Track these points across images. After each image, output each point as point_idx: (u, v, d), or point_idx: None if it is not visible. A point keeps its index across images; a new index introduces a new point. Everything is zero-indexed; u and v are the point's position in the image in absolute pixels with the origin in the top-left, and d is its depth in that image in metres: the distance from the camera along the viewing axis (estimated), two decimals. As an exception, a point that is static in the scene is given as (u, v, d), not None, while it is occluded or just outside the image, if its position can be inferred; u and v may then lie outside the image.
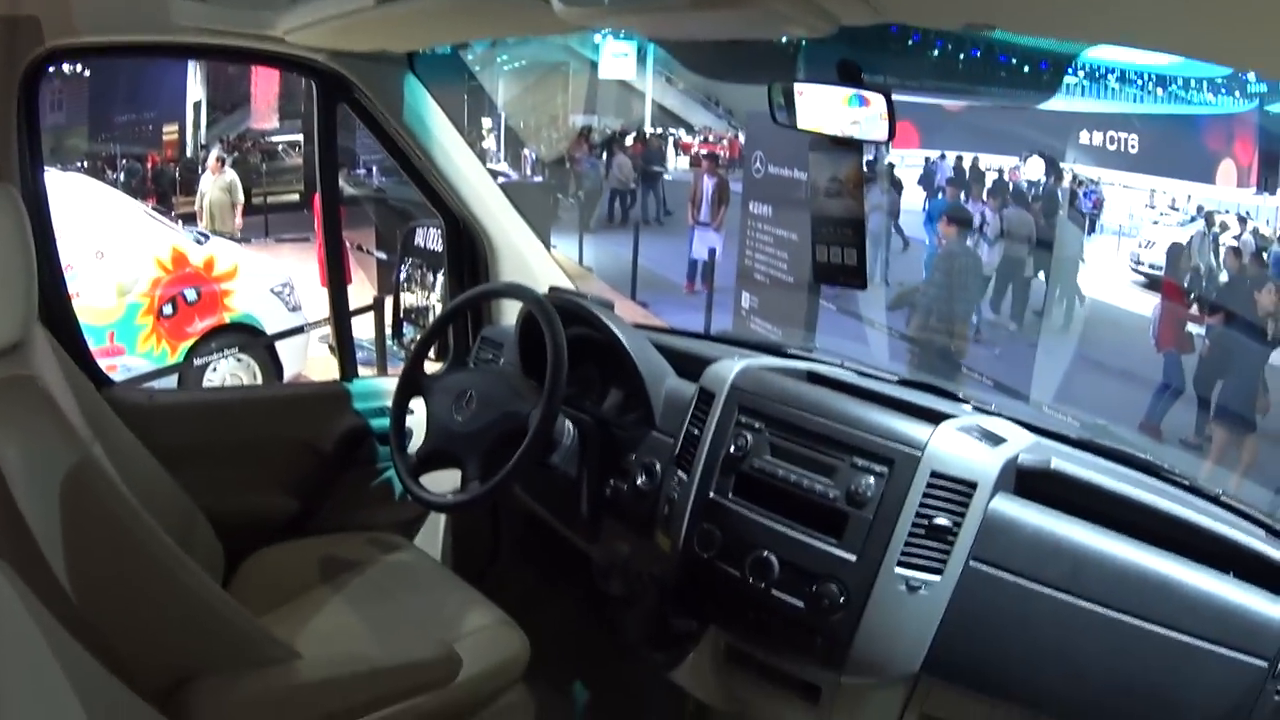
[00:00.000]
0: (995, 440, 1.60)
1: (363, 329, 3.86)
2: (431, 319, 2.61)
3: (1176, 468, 1.66)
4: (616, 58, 14.46)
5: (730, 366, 1.82)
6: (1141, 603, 1.37)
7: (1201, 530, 1.48)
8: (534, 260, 2.50)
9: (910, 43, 11.20)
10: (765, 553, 1.61)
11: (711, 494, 1.72)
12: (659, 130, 16.28)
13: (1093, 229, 9.11)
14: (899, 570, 1.50)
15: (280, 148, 15.37)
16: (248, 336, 5.96)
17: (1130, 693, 1.37)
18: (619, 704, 2.49)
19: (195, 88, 15.54)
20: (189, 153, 15.26)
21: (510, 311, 2.39)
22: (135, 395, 2.24)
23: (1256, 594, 1.36)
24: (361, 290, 5.79)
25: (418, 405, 2.00)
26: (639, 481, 1.87)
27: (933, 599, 1.48)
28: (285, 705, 1.50)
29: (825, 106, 1.55)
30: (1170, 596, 1.37)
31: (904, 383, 1.92)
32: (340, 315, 2.46)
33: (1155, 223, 9.78)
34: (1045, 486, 1.56)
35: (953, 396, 1.83)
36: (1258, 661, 1.31)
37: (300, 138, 15.29)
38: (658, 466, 1.85)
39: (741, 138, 14.20)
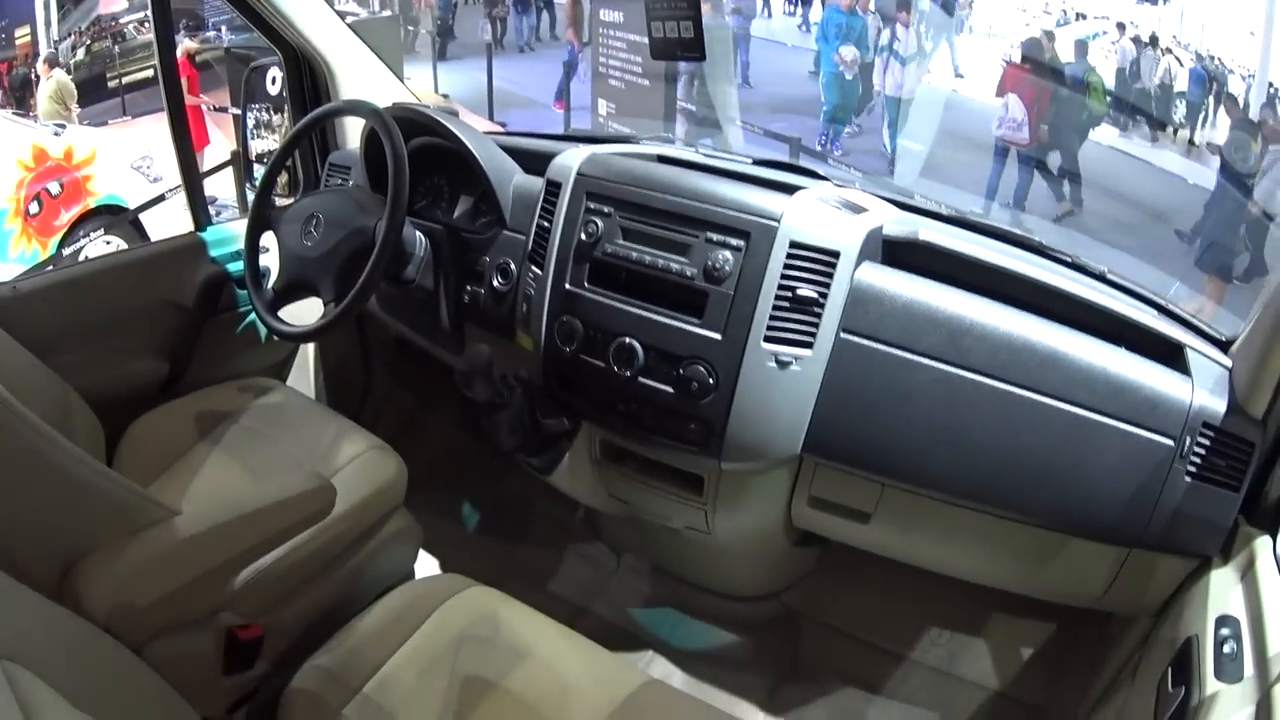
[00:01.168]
0: (856, 209, 1.57)
1: (227, 187, 3.71)
2: None
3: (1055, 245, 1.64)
4: None
5: (575, 154, 1.76)
6: (1030, 375, 1.36)
7: (1088, 304, 1.46)
8: (378, 84, 2.40)
9: None
10: (628, 339, 1.59)
11: (567, 285, 1.68)
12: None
13: (959, 29, 8.94)
14: (766, 346, 1.47)
15: (131, 26, 14.51)
16: (113, 217, 5.78)
17: (1024, 469, 1.37)
18: (506, 519, 2.50)
19: None
20: (43, 51, 14.45)
21: (356, 134, 2.32)
22: (-1, 290, 2.15)
23: (1155, 369, 1.35)
24: (225, 149, 5.60)
25: (270, 241, 1.93)
26: (495, 283, 1.83)
27: (805, 375, 1.46)
28: (169, 564, 1.46)
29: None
30: (1061, 368, 1.35)
31: (759, 162, 1.88)
32: (188, 166, 2.32)
33: (1027, 25, 9.62)
34: (915, 259, 1.53)
35: (812, 174, 1.79)
36: (1164, 440, 1.31)
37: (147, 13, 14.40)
38: (512, 266, 1.81)
39: None
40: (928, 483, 1.44)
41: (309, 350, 2.48)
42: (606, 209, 1.66)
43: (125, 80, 13.65)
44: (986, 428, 1.37)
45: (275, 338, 1.93)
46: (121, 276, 2.17)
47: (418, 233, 1.88)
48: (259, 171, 2.44)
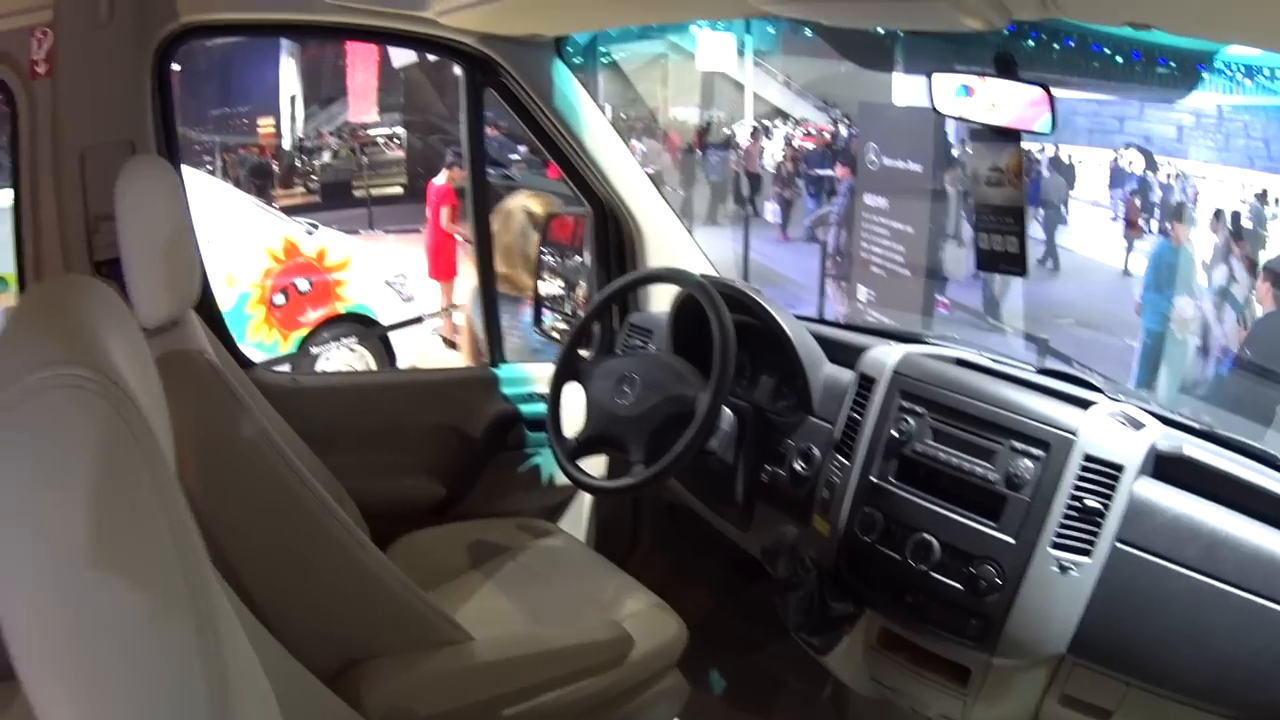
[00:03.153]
0: (1136, 424, 1.61)
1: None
2: (569, 306, 2.64)
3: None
4: (714, 48, 14.17)
5: (889, 353, 1.83)
6: (1271, 585, 1.39)
7: None
8: (680, 248, 2.49)
9: (1005, 32, 10.88)
10: (926, 535, 1.63)
11: (873, 478, 1.73)
12: (768, 123, 15.91)
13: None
14: (1052, 551, 1.52)
15: (381, 140, 15.49)
16: (361, 327, 6.00)
17: (1255, 672, 1.39)
18: (756, 689, 2.50)
19: (290, 81, 15.73)
20: (286, 146, 15.53)
21: (656, 297, 2.40)
22: (279, 378, 2.30)
23: None
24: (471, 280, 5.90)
25: (573, 391, 2.02)
26: (797, 467, 1.89)
27: (1082, 580, 1.51)
28: (459, 684, 1.52)
29: (990, 97, 1.57)
30: None
31: (1043, 371, 1.92)
32: (490, 302, 2.46)
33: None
34: (1179, 471, 1.57)
35: (1090, 385, 1.83)
36: None
37: (402, 130, 15.44)
38: (815, 451, 1.87)
39: (843, 129, 14.00)
40: (1173, 684, 1.46)
41: (584, 498, 2.54)
42: (919, 409, 1.72)
43: (374, 193, 14.24)
44: (1233, 636, 1.41)
45: (556, 482, 1.99)
46: (410, 394, 2.29)
47: (724, 407, 1.93)
48: (546, 315, 2.55)
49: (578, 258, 2.58)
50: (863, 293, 7.63)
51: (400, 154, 15.42)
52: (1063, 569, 1.51)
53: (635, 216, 2.45)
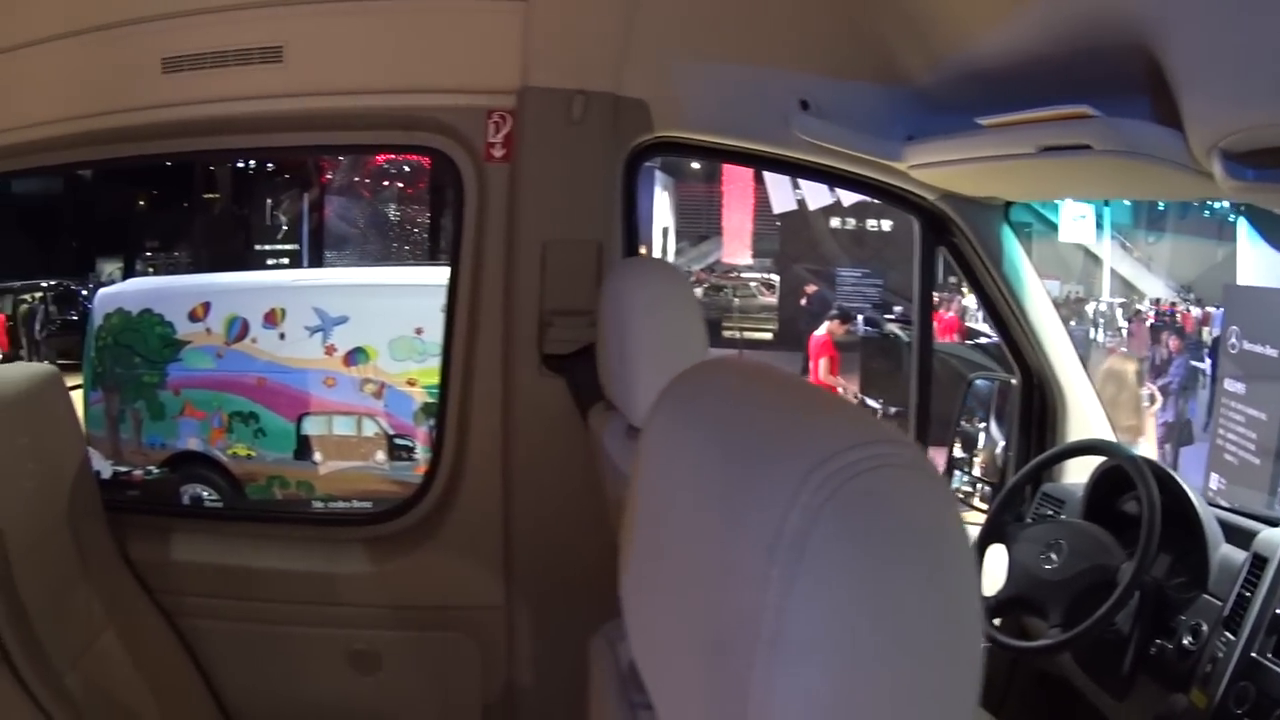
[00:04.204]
0: None
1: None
2: (977, 469, 2.62)
3: None
4: (1076, 220, 13.73)
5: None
6: None
7: None
8: (1097, 422, 2.44)
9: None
10: None
11: (1254, 654, 1.72)
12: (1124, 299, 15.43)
13: None
14: None
15: (753, 285, 15.76)
16: None
17: None
18: None
19: (664, 213, 16.25)
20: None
21: (1070, 468, 2.36)
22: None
23: None
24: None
25: (997, 553, 2.04)
26: (1185, 642, 1.87)
27: None
28: None
29: None
30: None
31: None
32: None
33: None
34: None
35: None
36: None
37: (775, 277, 15.68)
38: (1204, 627, 1.85)
39: (1194, 310, 13.57)
40: None
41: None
42: None
43: (744, 334, 14.56)
44: None
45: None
46: None
47: None
48: (956, 476, 2.59)
49: (980, 422, 2.59)
50: (1214, 480, 7.29)
51: (772, 299, 15.59)
52: None
53: (1062, 386, 2.42)
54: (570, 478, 2.19)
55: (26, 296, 12.18)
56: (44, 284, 12.36)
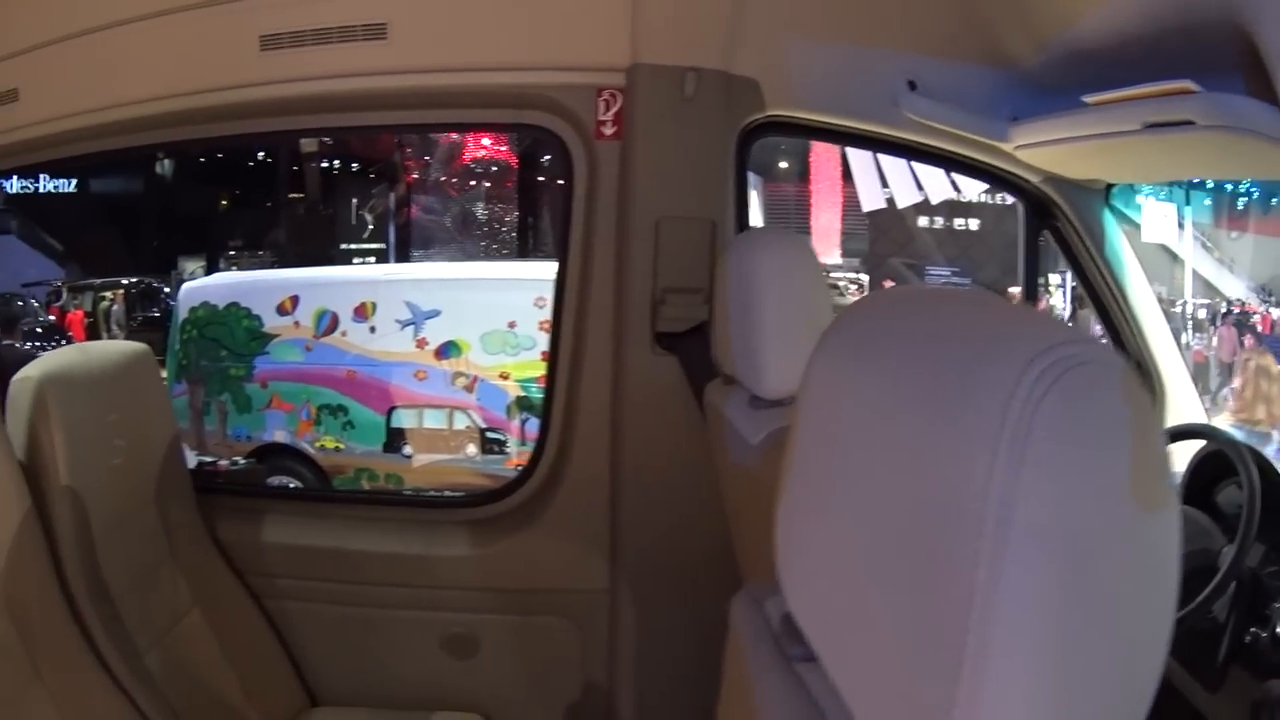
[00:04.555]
0: None
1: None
2: None
3: None
4: (1159, 220, 13.66)
5: None
6: None
7: None
8: (1193, 407, 2.43)
9: None
10: None
11: None
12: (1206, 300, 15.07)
13: None
14: None
15: (842, 283, 15.46)
16: None
17: None
18: None
19: (753, 214, 16.26)
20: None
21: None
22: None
23: None
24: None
25: None
26: (1279, 630, 1.86)
27: None
28: None
29: None
30: None
31: None
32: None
33: None
34: None
35: None
36: None
37: (864, 277, 15.48)
38: None
39: (1275, 312, 13.38)
40: None
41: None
42: None
43: None
44: None
45: None
46: None
47: None
48: None
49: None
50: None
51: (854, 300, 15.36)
52: None
53: (1160, 372, 2.41)
54: (681, 457, 2.17)
55: (107, 293, 12.36)
56: (125, 281, 12.54)
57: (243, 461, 7.03)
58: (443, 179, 12.83)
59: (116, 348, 2.25)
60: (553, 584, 2.32)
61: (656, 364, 2.18)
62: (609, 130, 2.16)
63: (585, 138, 2.20)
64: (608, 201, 2.18)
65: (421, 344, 6.86)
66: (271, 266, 12.14)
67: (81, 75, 2.32)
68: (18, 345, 9.07)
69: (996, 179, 2.36)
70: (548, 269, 6.68)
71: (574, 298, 2.26)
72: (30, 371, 1.94)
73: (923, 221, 14.05)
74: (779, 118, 2.22)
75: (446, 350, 6.83)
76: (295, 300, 7.11)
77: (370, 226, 13.69)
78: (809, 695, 0.74)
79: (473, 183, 12.72)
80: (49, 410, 1.88)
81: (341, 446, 7.03)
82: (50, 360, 2.01)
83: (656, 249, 2.14)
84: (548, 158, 12.42)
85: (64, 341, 10.49)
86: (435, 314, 6.83)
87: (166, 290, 12.27)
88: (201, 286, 7.79)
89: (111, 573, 1.97)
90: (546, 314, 6.51)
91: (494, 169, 12.63)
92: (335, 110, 2.36)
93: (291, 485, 7.02)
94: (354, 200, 13.83)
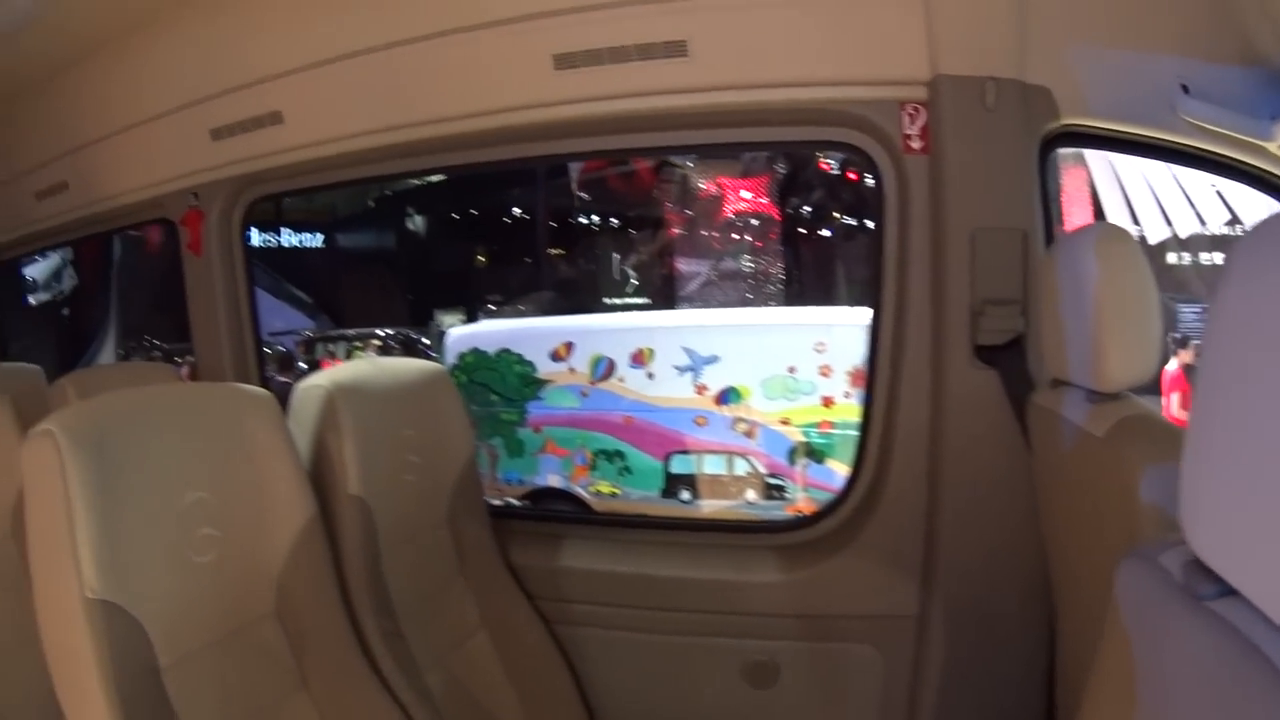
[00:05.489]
0: None
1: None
2: None
3: None
4: None
5: None
6: None
7: None
8: None
9: None
10: None
11: None
12: None
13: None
14: None
15: None
16: None
17: None
18: None
19: None
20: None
21: None
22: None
23: None
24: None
25: None
26: None
27: None
28: None
29: None
30: None
31: None
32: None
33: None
34: None
35: None
36: None
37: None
38: None
39: None
40: None
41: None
42: None
43: None
44: None
45: None
46: None
47: None
48: None
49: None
50: None
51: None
52: None
53: None
54: (1001, 480, 2.11)
55: (359, 344, 13.01)
56: (380, 331, 13.18)
57: (517, 504, 7.14)
58: (704, 231, 12.96)
59: (413, 365, 2.32)
60: (859, 609, 2.28)
61: (976, 378, 2.12)
62: (916, 144, 2.13)
63: (893, 153, 2.17)
64: (920, 215, 2.15)
65: (700, 390, 6.86)
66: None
67: (354, 97, 2.38)
68: (291, 383, 9.66)
69: (1263, 182, 2.19)
70: (824, 314, 6.55)
71: (891, 314, 2.22)
72: (319, 380, 1.98)
73: (1171, 258, 13.34)
74: (1072, 126, 2.14)
75: (726, 396, 6.81)
76: (570, 346, 7.22)
77: (633, 281, 13.90)
78: (1229, 625, 0.74)
79: (734, 235, 12.80)
80: (339, 419, 1.92)
81: (617, 492, 7.06)
82: (341, 371, 2.05)
83: (973, 260, 2.09)
84: (808, 207, 12.45)
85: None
86: (714, 360, 6.81)
87: (425, 341, 12.77)
88: (470, 334, 8.00)
89: (397, 588, 2.00)
90: (825, 359, 6.44)
91: (754, 221, 12.69)
92: (632, 131, 2.38)
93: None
94: (614, 253, 14.11)
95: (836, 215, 12.62)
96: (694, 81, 2.17)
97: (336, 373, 2.02)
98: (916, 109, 2.12)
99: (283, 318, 14.25)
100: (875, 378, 2.28)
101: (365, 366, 2.17)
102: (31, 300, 13.19)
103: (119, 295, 14.21)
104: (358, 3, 2.34)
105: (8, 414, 2.32)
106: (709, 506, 6.91)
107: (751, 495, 6.86)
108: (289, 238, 15.74)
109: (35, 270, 13.17)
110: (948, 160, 2.09)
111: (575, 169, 13.34)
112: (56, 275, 13.79)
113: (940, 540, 2.18)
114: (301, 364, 11.97)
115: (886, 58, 2.10)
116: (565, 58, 2.20)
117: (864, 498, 2.31)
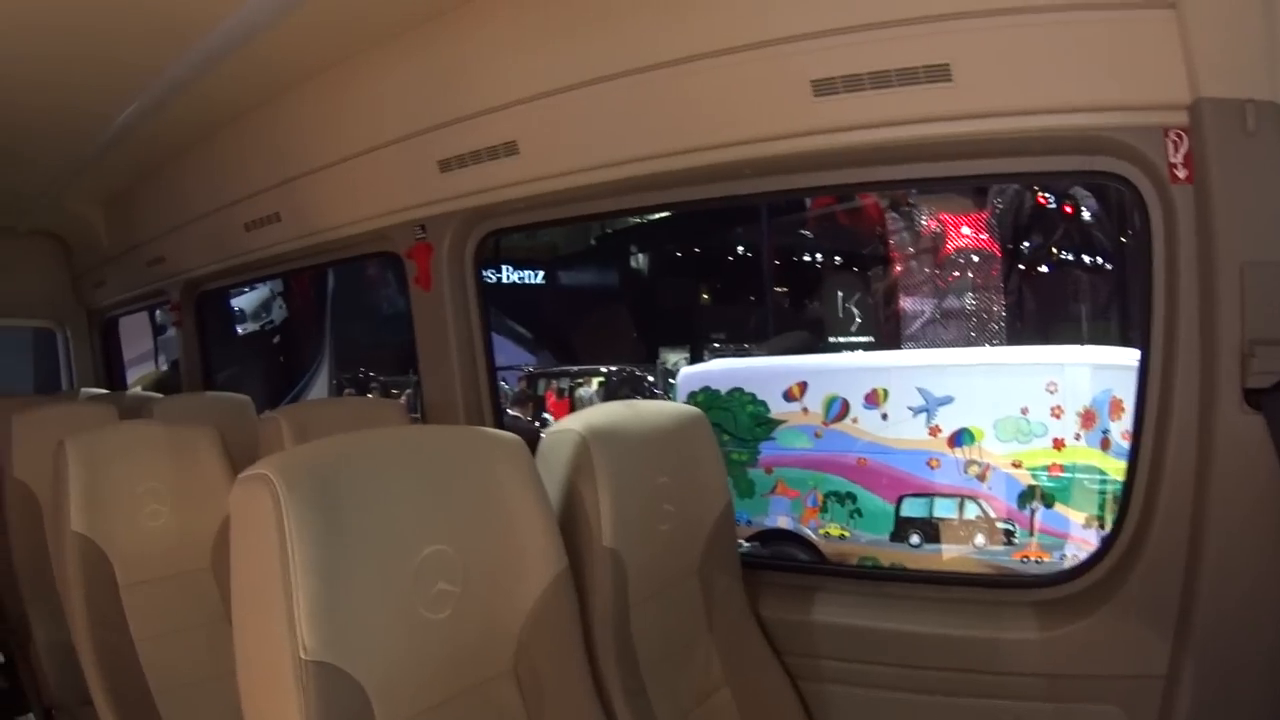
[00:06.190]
0: None
1: None
2: None
3: None
4: None
5: None
6: None
7: None
8: None
9: None
10: None
11: None
12: None
13: None
14: None
15: None
16: None
17: None
18: None
19: None
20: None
21: None
22: None
23: None
24: None
25: None
26: None
27: None
28: None
29: None
30: None
31: None
32: None
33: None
34: None
35: None
36: None
37: None
38: None
39: None
40: None
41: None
42: None
43: None
44: None
45: None
46: None
47: None
48: None
49: None
50: None
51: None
52: None
53: None
54: (1266, 529, 1.97)
55: (580, 380, 13.46)
56: (603, 369, 13.61)
57: (746, 545, 7.16)
58: (927, 268, 12.82)
59: (670, 408, 2.22)
60: (1108, 669, 2.17)
61: (1245, 424, 1.98)
62: (1181, 173, 2.00)
63: (1158, 182, 2.04)
64: (1188, 249, 2.01)
65: (934, 431, 6.81)
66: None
67: (595, 127, 2.33)
68: (522, 418, 10.14)
69: None
70: (1054, 353, 6.33)
71: (1159, 355, 2.11)
72: (571, 424, 1.87)
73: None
74: None
75: (960, 438, 6.74)
76: (804, 386, 7.26)
77: (858, 319, 13.92)
78: None
79: (956, 272, 12.62)
80: (594, 467, 1.82)
81: (846, 534, 7.05)
82: (594, 414, 1.96)
83: (1243, 296, 1.95)
84: (1029, 244, 12.15)
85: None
86: (948, 400, 6.77)
87: (650, 379, 13.09)
88: (702, 373, 8.11)
89: (642, 642, 1.92)
90: (1057, 399, 6.30)
91: (975, 257, 12.47)
92: (892, 162, 2.29)
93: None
94: (839, 292, 14.02)
95: (1056, 251, 12.23)
96: (958, 108, 2.07)
97: (590, 415, 1.93)
98: (1180, 135, 1.99)
99: (505, 353, 14.56)
100: (1142, 422, 2.16)
101: (620, 409, 2.06)
102: (240, 330, 14.03)
103: (333, 326, 14.84)
104: (598, 27, 2.29)
105: (214, 445, 2.31)
106: (942, 551, 6.84)
107: (980, 540, 6.76)
108: (509, 274, 16.05)
109: (243, 301, 13.98)
110: (1214, 189, 1.95)
111: (805, 205, 13.43)
112: (265, 306, 14.49)
113: (1199, 597, 2.07)
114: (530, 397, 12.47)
115: (1147, 80, 1.97)
116: (824, 83, 2.10)
117: (1126, 550, 2.19)
